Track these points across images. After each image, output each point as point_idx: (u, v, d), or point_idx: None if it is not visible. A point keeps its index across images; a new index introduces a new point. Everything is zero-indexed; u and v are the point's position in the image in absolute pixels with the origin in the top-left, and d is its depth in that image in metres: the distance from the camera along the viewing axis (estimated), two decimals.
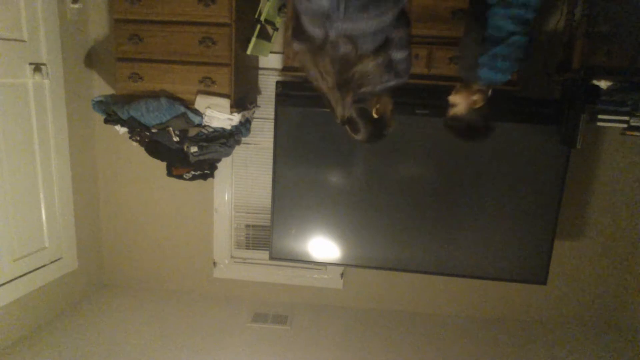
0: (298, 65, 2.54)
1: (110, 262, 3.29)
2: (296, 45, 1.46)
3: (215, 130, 2.59)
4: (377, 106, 1.54)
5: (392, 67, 1.47)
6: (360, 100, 1.52)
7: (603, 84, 2.32)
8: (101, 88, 2.99)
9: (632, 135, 2.46)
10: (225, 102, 2.47)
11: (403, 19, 1.43)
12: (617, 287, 3.01)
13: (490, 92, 1.75)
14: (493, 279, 2.77)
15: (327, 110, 1.55)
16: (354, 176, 2.73)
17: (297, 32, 1.44)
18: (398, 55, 1.46)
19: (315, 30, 1.40)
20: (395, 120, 1.61)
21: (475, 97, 1.70)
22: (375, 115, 1.55)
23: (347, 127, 1.58)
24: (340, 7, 1.31)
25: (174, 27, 2.44)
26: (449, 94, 1.81)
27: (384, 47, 1.42)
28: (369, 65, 1.42)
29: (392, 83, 1.51)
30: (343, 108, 1.49)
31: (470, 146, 2.56)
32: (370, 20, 1.36)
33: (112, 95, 2.68)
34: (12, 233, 2.48)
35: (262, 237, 3.18)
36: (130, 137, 2.67)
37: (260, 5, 2.45)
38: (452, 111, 1.79)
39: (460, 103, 1.75)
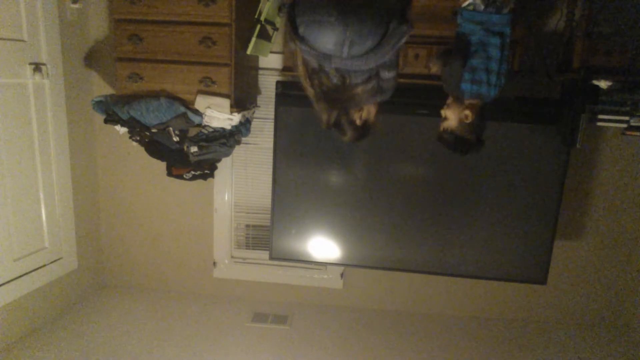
0: (290, 65, 2.57)
1: (110, 262, 3.29)
2: (292, 46, 1.48)
3: (215, 130, 2.59)
4: (360, 114, 1.58)
5: (381, 89, 1.52)
6: (345, 110, 1.57)
7: (603, 84, 2.32)
8: (101, 88, 2.99)
9: (632, 135, 2.46)
10: (225, 102, 2.47)
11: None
12: (617, 287, 3.01)
13: (480, 108, 1.78)
14: (493, 279, 2.77)
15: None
16: (354, 176, 2.73)
17: (293, 35, 1.46)
18: (386, 74, 1.50)
19: (310, 61, 1.43)
20: (379, 122, 1.66)
21: (466, 112, 1.74)
22: (358, 123, 1.60)
23: (333, 129, 1.62)
24: (344, 50, 1.34)
25: (174, 27, 2.44)
26: (442, 106, 1.86)
27: (374, 74, 1.47)
28: (358, 91, 1.47)
29: (378, 100, 1.56)
30: (328, 117, 1.54)
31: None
32: (369, 63, 1.41)
33: (112, 95, 2.68)
34: (12, 233, 2.48)
35: (262, 237, 3.18)
36: (130, 137, 2.67)
37: (260, 5, 2.45)
38: (444, 125, 1.84)
39: (451, 117, 1.80)
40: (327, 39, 1.34)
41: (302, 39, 1.37)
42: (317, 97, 1.52)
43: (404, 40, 1.38)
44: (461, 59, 1.69)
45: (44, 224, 2.70)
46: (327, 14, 1.31)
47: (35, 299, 2.69)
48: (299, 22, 1.36)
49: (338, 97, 1.49)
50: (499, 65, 1.68)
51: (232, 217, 3.17)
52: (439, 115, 1.87)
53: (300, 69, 1.48)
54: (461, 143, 1.82)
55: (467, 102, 1.75)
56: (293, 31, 1.38)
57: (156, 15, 2.44)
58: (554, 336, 2.94)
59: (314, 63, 1.43)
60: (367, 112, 1.60)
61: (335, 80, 1.45)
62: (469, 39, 1.69)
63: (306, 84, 1.50)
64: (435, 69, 1.95)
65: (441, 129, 1.85)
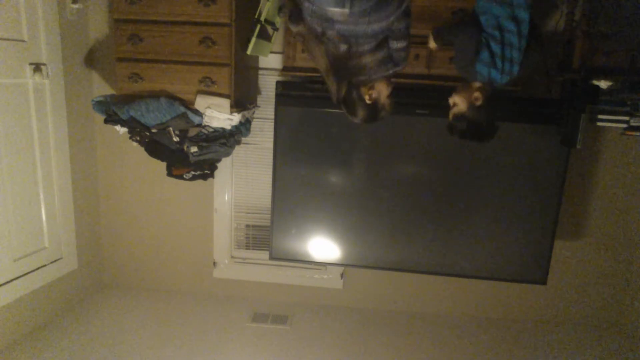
0: (290, 65, 2.55)
1: (110, 262, 3.29)
2: (294, 27, 1.46)
3: (215, 130, 2.59)
4: (371, 92, 1.53)
5: (391, 58, 1.47)
6: (356, 85, 1.52)
7: (603, 84, 2.32)
8: (101, 88, 2.99)
9: (632, 135, 2.46)
10: (225, 102, 2.47)
11: (405, 12, 1.43)
12: (617, 287, 3.01)
13: (490, 91, 1.76)
14: (493, 279, 2.77)
15: (327, 110, 1.57)
16: (354, 176, 2.73)
17: (295, 16, 1.44)
18: (397, 45, 1.46)
19: (314, 27, 1.40)
20: (392, 104, 1.60)
21: (476, 94, 1.70)
22: (368, 102, 1.54)
23: (343, 108, 1.58)
24: (345, 4, 1.30)
25: (174, 27, 2.44)
26: (450, 94, 1.82)
27: (383, 42, 1.42)
28: (367, 61, 1.43)
29: (390, 72, 1.51)
30: (338, 90, 1.50)
31: (470, 146, 2.56)
32: (372, 24, 1.36)
33: (112, 95, 2.68)
34: (12, 233, 2.48)
35: (262, 237, 3.18)
36: (130, 137, 2.67)
37: (260, 5, 2.45)
38: (453, 111, 1.79)
39: (460, 102, 1.76)
40: None
41: None
42: (327, 69, 1.48)
43: (407, 2, 1.35)
44: (471, 31, 1.63)
45: (44, 224, 2.70)
46: None
47: (35, 299, 2.69)
48: None
49: (346, 65, 1.45)
50: (516, 53, 1.64)
51: (232, 217, 3.17)
52: (440, 115, 1.84)
53: (309, 39, 1.44)
54: (473, 129, 1.77)
55: (476, 85, 1.71)
56: None
57: (156, 15, 2.44)
58: (554, 336, 2.94)
59: (317, 28, 1.39)
60: (378, 91, 1.55)
61: (342, 48, 1.41)
62: (482, 18, 1.64)
63: (317, 52, 1.45)
64: (432, 44, 1.90)
65: (451, 116, 1.79)
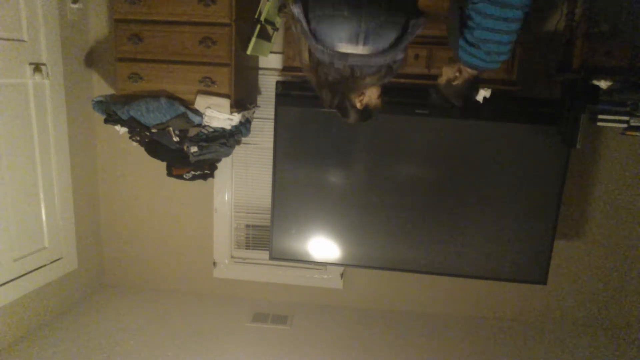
0: (290, 65, 2.54)
1: (110, 262, 3.29)
2: (295, 29, 1.45)
3: (215, 130, 2.59)
4: (362, 98, 1.55)
5: (391, 71, 1.48)
6: (347, 94, 1.54)
7: (603, 84, 2.32)
8: (101, 88, 2.99)
9: (632, 135, 2.46)
10: (225, 102, 2.47)
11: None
12: (617, 287, 3.01)
13: (473, 75, 1.77)
14: (493, 279, 2.77)
15: (327, 110, 1.57)
16: (354, 176, 2.73)
17: (306, 33, 1.43)
18: (397, 57, 1.46)
19: (322, 57, 1.40)
20: (383, 104, 1.62)
21: (457, 74, 1.75)
22: (359, 107, 1.57)
23: (336, 111, 1.60)
24: (358, 44, 1.32)
25: (174, 27, 2.44)
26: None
27: (387, 67, 1.44)
28: (369, 80, 1.45)
29: (385, 82, 1.52)
30: (331, 101, 1.52)
31: (470, 146, 2.57)
32: (387, 57, 1.38)
33: (112, 95, 2.68)
34: (12, 233, 2.48)
35: (262, 237, 3.18)
36: (130, 137, 2.67)
37: (260, 5, 2.45)
38: (438, 81, 1.87)
39: (444, 75, 1.82)
40: (340, 33, 1.31)
41: (316, 37, 1.34)
42: (320, 85, 1.50)
43: (419, 31, 1.38)
44: (457, 12, 1.67)
45: (44, 224, 2.70)
46: (338, 9, 1.29)
47: (35, 299, 2.69)
48: (310, 17, 1.33)
49: (345, 85, 1.46)
50: (503, 48, 1.65)
51: (232, 217, 3.17)
52: (440, 115, 1.88)
53: (306, 60, 1.45)
54: (442, 103, 1.88)
55: (460, 64, 1.75)
56: (308, 29, 1.34)
57: (156, 16, 2.44)
58: (554, 336, 2.94)
59: (325, 59, 1.40)
60: (369, 97, 1.56)
61: (345, 73, 1.42)
62: (477, 16, 1.65)
63: (310, 74, 1.47)
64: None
65: (436, 83, 1.88)
